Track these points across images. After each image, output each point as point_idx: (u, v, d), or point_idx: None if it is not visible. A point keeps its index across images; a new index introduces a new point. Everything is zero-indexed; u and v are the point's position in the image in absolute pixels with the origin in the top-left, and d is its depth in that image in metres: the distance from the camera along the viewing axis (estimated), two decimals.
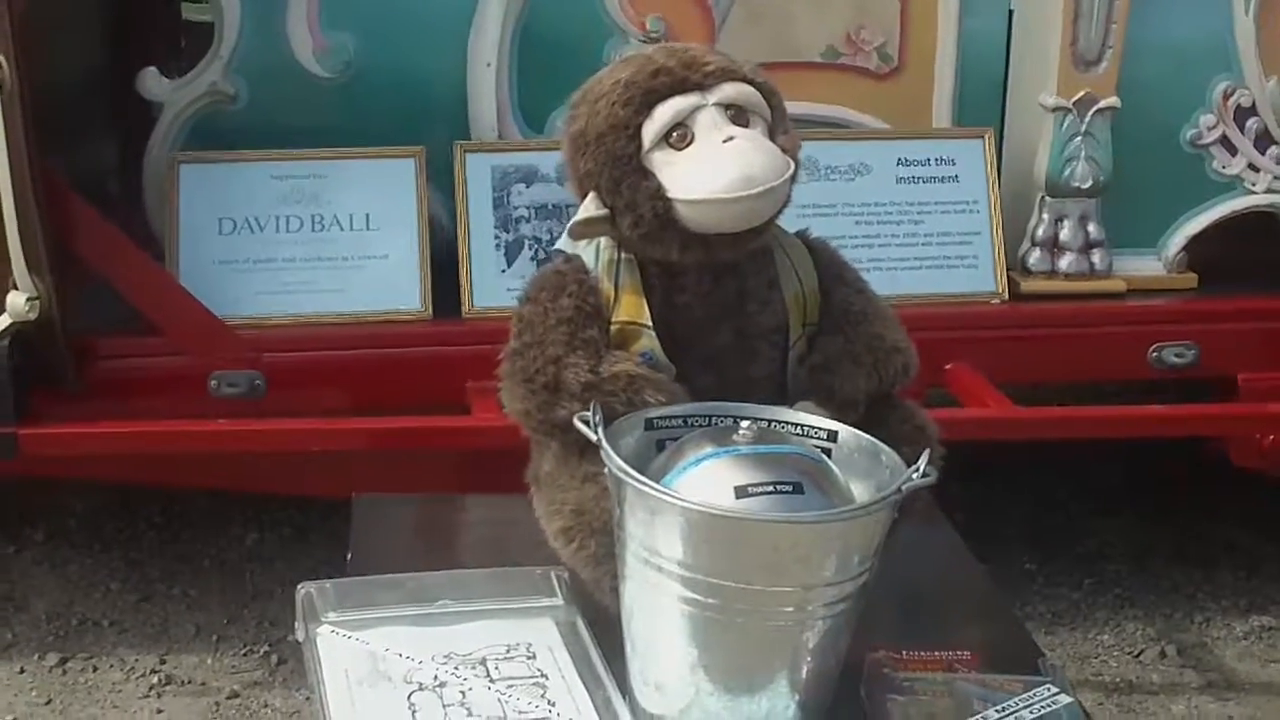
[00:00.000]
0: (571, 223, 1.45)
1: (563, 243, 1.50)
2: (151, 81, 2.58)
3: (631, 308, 1.45)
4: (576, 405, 1.39)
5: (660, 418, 1.37)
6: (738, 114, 1.42)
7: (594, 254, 1.48)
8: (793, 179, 1.42)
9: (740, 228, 1.40)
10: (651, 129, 1.41)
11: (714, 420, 1.37)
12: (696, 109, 1.41)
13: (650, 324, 1.45)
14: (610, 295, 1.46)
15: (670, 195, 1.40)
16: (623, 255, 1.47)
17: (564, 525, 1.43)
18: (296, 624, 1.43)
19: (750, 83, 1.45)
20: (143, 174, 2.60)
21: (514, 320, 1.48)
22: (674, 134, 1.41)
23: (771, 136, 1.44)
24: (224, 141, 2.58)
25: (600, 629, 1.40)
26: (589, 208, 1.44)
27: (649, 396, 1.39)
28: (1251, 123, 2.74)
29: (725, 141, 1.40)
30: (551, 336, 1.43)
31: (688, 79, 1.42)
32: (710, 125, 1.41)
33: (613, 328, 1.45)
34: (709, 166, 1.39)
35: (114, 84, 2.91)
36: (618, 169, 1.41)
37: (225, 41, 2.57)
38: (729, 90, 1.43)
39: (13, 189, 2.21)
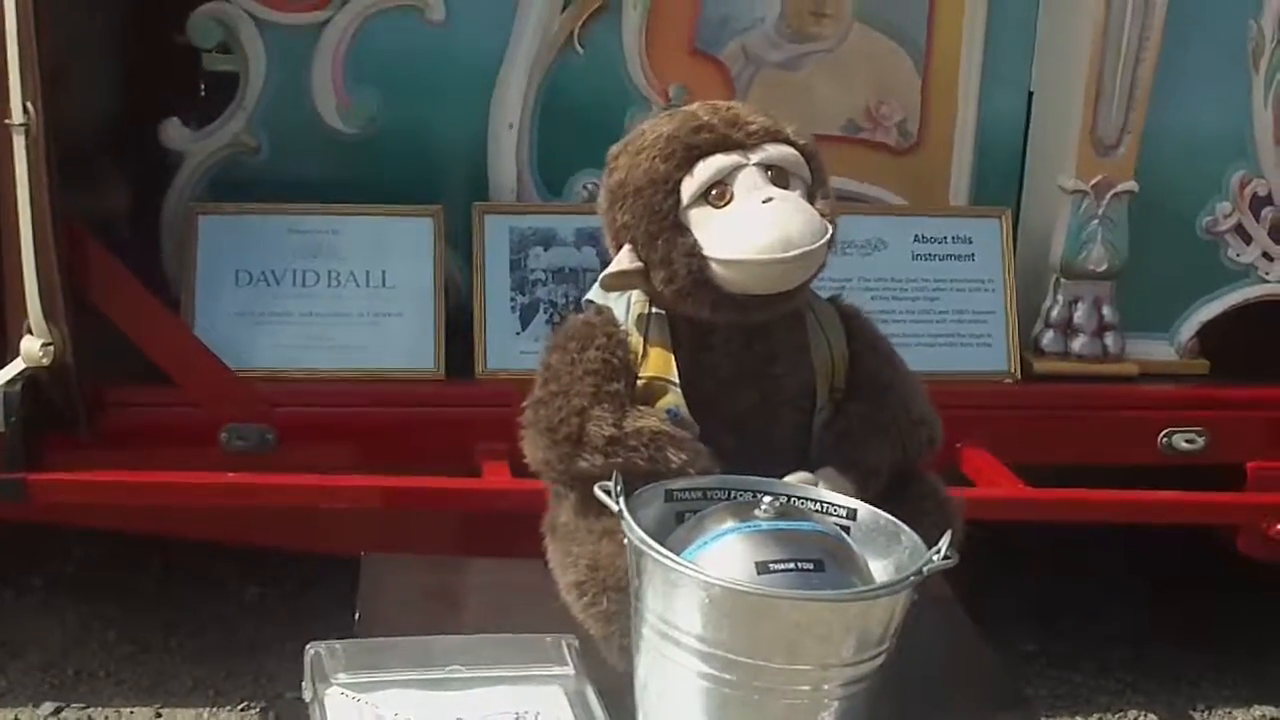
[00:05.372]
0: (605, 274, 1.44)
1: (594, 293, 1.50)
2: (173, 131, 2.59)
3: (659, 363, 1.45)
4: (599, 458, 1.39)
5: (681, 490, 1.37)
6: (778, 175, 1.42)
7: (625, 306, 1.47)
8: (830, 244, 1.42)
9: (775, 290, 1.40)
10: (691, 185, 1.41)
11: (735, 495, 1.36)
12: (737, 168, 1.41)
13: (677, 381, 1.44)
14: (639, 349, 1.45)
15: (706, 253, 1.39)
16: (654, 310, 1.46)
17: (577, 579, 1.42)
18: (304, 684, 1.42)
19: (792, 144, 1.45)
20: (160, 222, 2.60)
21: (540, 369, 1.47)
22: (713, 191, 1.41)
23: (811, 199, 1.44)
24: (242, 193, 2.58)
25: (611, 699, 1.39)
26: (623, 260, 1.43)
27: (671, 454, 1.39)
28: (1266, 212, 2.75)
29: (764, 202, 1.40)
30: (577, 388, 1.42)
31: (730, 137, 1.43)
32: (750, 185, 1.41)
33: (639, 382, 1.45)
34: (746, 227, 1.39)
35: (130, 131, 2.92)
36: (655, 223, 1.41)
37: (249, 93, 2.58)
38: (771, 151, 1.43)
39: (33, 234, 2.21)
